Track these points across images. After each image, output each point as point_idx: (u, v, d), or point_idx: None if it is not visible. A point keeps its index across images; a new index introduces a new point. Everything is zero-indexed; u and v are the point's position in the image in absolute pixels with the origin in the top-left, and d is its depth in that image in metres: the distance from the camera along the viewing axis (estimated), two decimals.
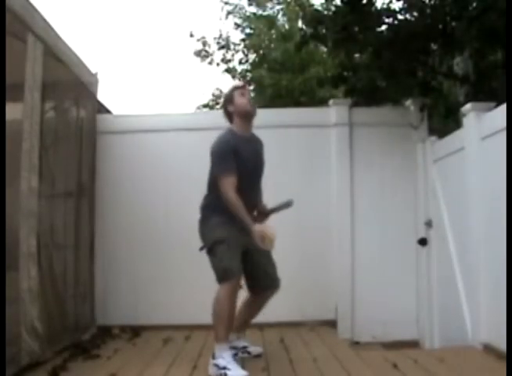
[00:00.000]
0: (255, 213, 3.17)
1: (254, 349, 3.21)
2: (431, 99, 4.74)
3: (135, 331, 4.00)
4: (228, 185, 2.90)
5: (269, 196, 4.07)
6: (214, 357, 2.82)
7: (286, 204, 3.20)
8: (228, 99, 3.15)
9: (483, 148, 3.31)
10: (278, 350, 3.40)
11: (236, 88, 3.17)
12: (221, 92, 13.00)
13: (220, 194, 2.94)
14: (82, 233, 3.95)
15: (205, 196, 3.16)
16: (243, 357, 3.08)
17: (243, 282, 3.07)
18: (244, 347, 3.17)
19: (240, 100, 3.07)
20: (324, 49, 9.08)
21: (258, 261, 3.06)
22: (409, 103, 4.59)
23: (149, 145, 4.46)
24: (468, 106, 3.53)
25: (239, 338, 3.17)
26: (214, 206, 3.05)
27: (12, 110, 2.96)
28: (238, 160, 2.94)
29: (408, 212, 4.43)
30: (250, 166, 3.04)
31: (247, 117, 3.09)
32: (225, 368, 2.74)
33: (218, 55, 12.49)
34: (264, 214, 3.22)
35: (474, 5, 4.08)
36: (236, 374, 2.72)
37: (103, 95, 4.88)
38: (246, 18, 12.24)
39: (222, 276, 2.84)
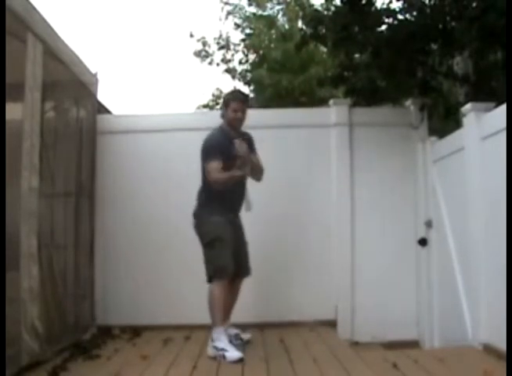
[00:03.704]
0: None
1: (245, 335, 3.57)
2: (431, 99, 4.74)
3: (135, 331, 4.00)
4: (212, 170, 3.28)
5: (269, 195, 4.09)
6: (212, 340, 3.19)
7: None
8: (225, 103, 3.53)
9: (483, 148, 3.31)
10: (278, 350, 3.40)
11: (234, 99, 3.46)
12: (221, 92, 13.01)
13: (210, 187, 3.33)
14: (82, 233, 3.95)
15: (199, 190, 3.49)
16: (237, 344, 3.32)
17: None
18: (237, 334, 3.50)
19: (231, 115, 3.42)
20: (324, 49, 9.07)
21: (239, 251, 3.42)
22: (409, 103, 4.60)
23: (149, 145, 4.46)
24: (468, 106, 3.53)
25: (229, 326, 3.46)
26: (207, 200, 3.43)
27: (13, 110, 2.96)
28: (227, 154, 3.30)
29: (408, 212, 4.43)
30: (235, 159, 3.35)
31: (232, 127, 3.46)
32: (223, 349, 3.11)
33: (218, 55, 12.52)
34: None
35: (474, 5, 4.08)
36: (234, 355, 3.08)
37: (103, 95, 4.86)
38: (246, 18, 12.23)
39: (217, 273, 3.26)
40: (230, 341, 3.26)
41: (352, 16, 4.33)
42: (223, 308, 3.28)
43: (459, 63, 4.98)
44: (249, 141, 3.54)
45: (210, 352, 3.19)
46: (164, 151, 4.44)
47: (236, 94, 3.70)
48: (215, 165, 3.27)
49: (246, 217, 3.61)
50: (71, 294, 3.68)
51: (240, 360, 3.06)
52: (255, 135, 3.70)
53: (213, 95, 13.49)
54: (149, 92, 26.10)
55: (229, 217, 3.42)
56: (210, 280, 3.32)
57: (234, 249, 3.34)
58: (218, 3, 12.26)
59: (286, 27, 11.41)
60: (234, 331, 3.50)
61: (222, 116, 3.49)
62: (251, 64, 12.01)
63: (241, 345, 3.39)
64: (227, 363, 3.06)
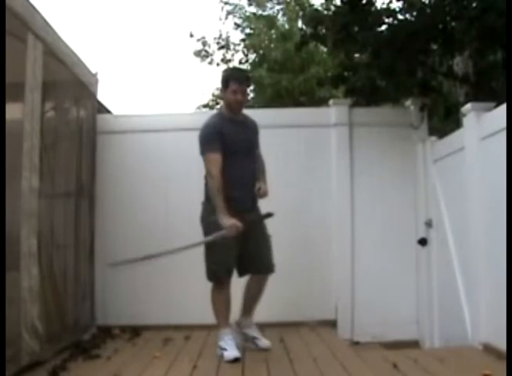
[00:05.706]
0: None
1: (262, 343, 3.36)
2: (431, 99, 4.74)
3: (135, 331, 4.00)
4: (212, 162, 3.14)
5: (270, 195, 4.07)
6: (219, 340, 3.20)
7: (268, 215, 3.32)
8: (223, 84, 3.28)
9: (483, 148, 3.31)
10: (278, 350, 3.40)
11: (233, 80, 3.23)
12: (221, 92, 13.00)
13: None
14: (82, 233, 3.94)
15: (204, 183, 3.35)
16: (247, 346, 3.33)
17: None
18: (254, 338, 3.37)
19: (230, 97, 3.23)
20: (324, 49, 9.08)
21: (250, 249, 3.25)
22: (409, 103, 4.60)
23: (149, 145, 4.46)
24: (468, 106, 3.53)
25: (251, 324, 3.40)
26: (209, 197, 3.26)
27: (13, 110, 2.96)
28: (225, 140, 3.15)
29: (408, 212, 4.43)
30: (238, 144, 3.21)
31: (231, 110, 3.29)
32: (224, 349, 3.14)
33: (218, 55, 12.52)
34: (246, 221, 3.16)
35: (474, 5, 4.08)
36: (230, 354, 3.08)
37: (103, 95, 4.87)
38: (246, 18, 12.23)
39: (212, 277, 3.25)
40: (244, 340, 3.32)
41: (352, 16, 4.33)
42: (225, 309, 3.27)
43: (459, 63, 4.98)
44: (253, 130, 3.37)
45: (218, 350, 3.22)
46: (163, 151, 4.44)
47: (235, 73, 3.45)
48: (214, 157, 3.12)
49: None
50: (71, 294, 3.67)
51: (236, 360, 3.05)
52: None
53: (213, 95, 13.50)
54: (148, 92, 26.12)
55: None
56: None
57: (240, 248, 3.20)
58: (218, 3, 12.28)
59: (286, 27, 11.41)
60: (253, 334, 3.39)
61: (221, 97, 3.38)
62: (251, 64, 12.01)
63: (241, 344, 3.37)
64: (227, 363, 3.06)
